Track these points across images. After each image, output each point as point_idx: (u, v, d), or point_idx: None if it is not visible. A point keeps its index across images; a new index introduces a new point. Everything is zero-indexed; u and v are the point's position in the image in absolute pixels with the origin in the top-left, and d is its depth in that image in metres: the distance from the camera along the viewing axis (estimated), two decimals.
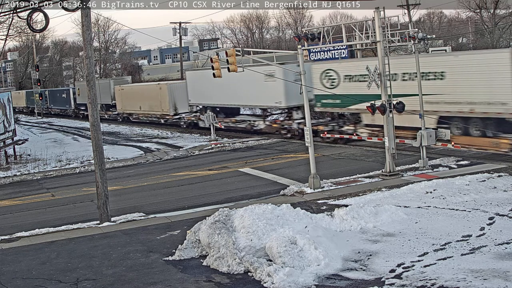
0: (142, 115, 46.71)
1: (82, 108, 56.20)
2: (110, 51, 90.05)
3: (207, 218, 13.74)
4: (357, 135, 26.49)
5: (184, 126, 41.15)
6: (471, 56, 20.91)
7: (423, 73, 21.86)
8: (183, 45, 66.55)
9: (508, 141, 20.90)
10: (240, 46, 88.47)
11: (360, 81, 25.63)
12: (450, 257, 11.62)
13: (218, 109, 37.14)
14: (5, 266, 13.60)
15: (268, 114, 33.39)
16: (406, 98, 21.26)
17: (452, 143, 21.74)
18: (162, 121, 43.62)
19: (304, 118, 21.95)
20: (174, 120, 42.34)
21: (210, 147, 31.69)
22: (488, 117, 21.46)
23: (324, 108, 29.11)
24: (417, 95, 19.76)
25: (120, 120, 50.28)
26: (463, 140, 22.30)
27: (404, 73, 23.63)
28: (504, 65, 19.97)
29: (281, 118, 32.34)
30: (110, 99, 50.91)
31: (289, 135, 31.14)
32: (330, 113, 29.43)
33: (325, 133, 28.53)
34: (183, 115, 40.98)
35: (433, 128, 21.86)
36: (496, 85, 20.41)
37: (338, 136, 28.19)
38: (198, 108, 39.05)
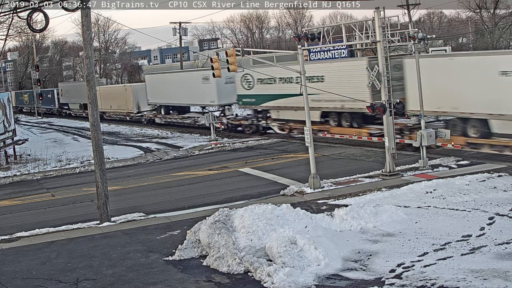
0: (112, 113, 51.06)
1: (65, 107, 62.53)
2: (110, 51, 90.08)
3: (207, 218, 13.74)
4: (330, 133, 28.59)
5: (145, 122, 46.28)
6: (341, 63, 25.11)
7: (309, 76, 25.16)
8: (183, 45, 66.51)
9: (367, 130, 26.60)
10: (240, 46, 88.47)
11: (268, 83, 31.21)
12: (450, 257, 11.63)
13: (171, 108, 42.70)
14: (5, 266, 13.60)
15: (207, 111, 38.23)
16: (289, 98, 28.69)
17: (351, 135, 27.13)
18: (128, 118, 48.03)
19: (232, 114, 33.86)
20: (137, 117, 47.38)
21: (210, 147, 31.69)
22: (354, 111, 26.59)
23: (244, 105, 34.62)
24: (300, 95, 22.20)
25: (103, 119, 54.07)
26: (337, 130, 28.25)
27: (281, 78, 28.98)
28: (363, 71, 23.27)
29: (217, 114, 36.87)
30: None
31: (221, 129, 36.22)
32: (253, 110, 34.33)
33: (325, 133, 28.54)
34: (145, 113, 46.19)
35: (318, 121, 28.32)
36: (358, 86, 24.29)
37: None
38: (155, 106, 44.14)
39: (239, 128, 35.44)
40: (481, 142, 21.49)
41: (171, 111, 42.93)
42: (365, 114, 24.91)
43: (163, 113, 43.38)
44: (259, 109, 33.30)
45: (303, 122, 25.12)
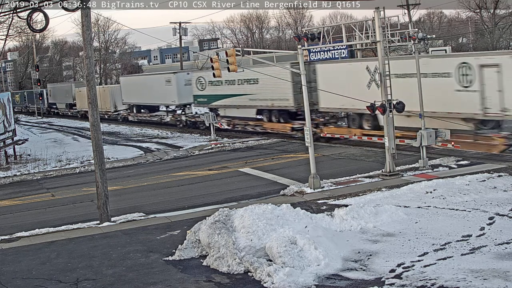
0: (109, 114, 54.02)
1: (54, 107, 67.35)
2: (110, 51, 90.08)
3: (207, 218, 13.74)
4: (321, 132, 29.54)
5: (120, 120, 50.92)
6: (271, 68, 26.85)
7: (247, 79, 31.60)
8: (183, 45, 66.53)
9: (291, 125, 31.15)
10: (240, 46, 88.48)
11: (216, 85, 35.38)
12: (450, 257, 11.62)
13: (142, 107, 47.60)
14: (5, 266, 13.60)
15: (171, 110, 43.60)
16: (232, 97, 34.31)
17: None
18: (106, 116, 51.06)
19: (190, 112, 39.86)
20: (114, 116, 51.81)
21: (210, 147, 31.70)
22: (281, 109, 31.65)
23: (198, 104, 39.23)
24: (240, 95, 29.55)
25: (79, 116, 58.43)
26: (268, 124, 33.03)
27: (227, 80, 33.86)
28: (287, 75, 27.15)
29: (178, 112, 42.70)
30: (72, 99, 60.41)
31: (181, 125, 41.34)
32: (208, 108, 38.12)
33: (325, 133, 28.54)
34: (121, 111, 50.83)
35: (254, 117, 33.66)
36: (285, 88, 29.41)
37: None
38: (129, 106, 48.98)
39: (196, 124, 39.96)
40: (372, 133, 26.25)
41: (142, 110, 47.88)
42: (289, 111, 31.31)
43: (135, 111, 48.41)
44: (210, 108, 37.37)
45: (245, 119, 34.35)
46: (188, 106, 41.24)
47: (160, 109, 46.40)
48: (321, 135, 28.91)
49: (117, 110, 51.04)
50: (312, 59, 34.87)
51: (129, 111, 49.21)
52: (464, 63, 22.08)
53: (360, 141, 27.12)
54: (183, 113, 41.96)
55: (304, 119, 24.37)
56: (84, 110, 53.35)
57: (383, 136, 20.44)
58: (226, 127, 36.24)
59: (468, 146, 22.54)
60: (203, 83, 37.33)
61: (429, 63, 23.00)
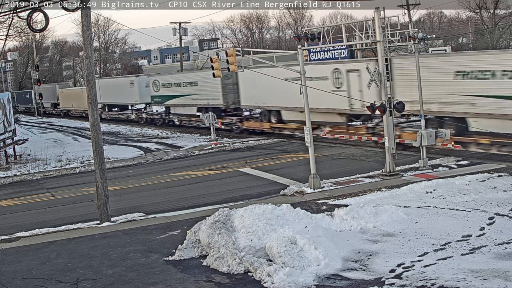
0: (74, 111, 60.84)
1: (41, 106, 71.56)
2: (110, 51, 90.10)
3: (207, 218, 13.74)
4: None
5: (105, 118, 55.34)
6: (206, 73, 33.11)
7: (188, 82, 38.91)
8: (183, 45, 66.55)
9: (222, 120, 35.75)
10: (240, 46, 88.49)
11: (167, 87, 41.70)
12: (450, 257, 11.62)
13: (113, 106, 52.98)
14: (5, 266, 13.60)
15: (136, 108, 49.18)
16: (180, 98, 40.26)
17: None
18: (84, 114, 54.73)
19: (152, 110, 46.48)
20: (87, 113, 53.62)
21: (210, 147, 31.70)
22: (214, 107, 36.54)
23: (155, 103, 44.95)
24: (185, 95, 36.28)
25: (62, 115, 64.88)
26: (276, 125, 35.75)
27: (175, 82, 40.74)
28: (217, 79, 29.08)
29: (142, 110, 48.27)
30: (56, 99, 66.03)
31: (142, 122, 47.35)
32: (164, 107, 44.06)
33: (325, 133, 28.55)
34: (102, 112, 54.29)
35: (196, 114, 39.29)
36: (216, 89, 35.59)
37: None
38: (103, 105, 52.47)
39: (153, 121, 45.91)
40: (278, 126, 32.20)
41: (114, 109, 53.34)
42: (220, 108, 36.45)
43: (107, 110, 53.31)
44: (164, 107, 43.63)
45: (189, 116, 40.58)
46: (148, 105, 46.93)
47: (129, 108, 51.49)
48: (243, 128, 35.31)
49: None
50: (312, 59, 34.93)
51: (101, 109, 52.61)
52: (336, 68, 26.96)
53: (360, 141, 27.11)
54: (144, 111, 47.92)
55: (231, 115, 35.83)
56: (67, 109, 62.73)
57: (285, 128, 28.05)
58: (177, 123, 42.63)
59: (343, 134, 28.40)
60: (158, 85, 43.06)
61: (314, 69, 27.49)
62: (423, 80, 20.86)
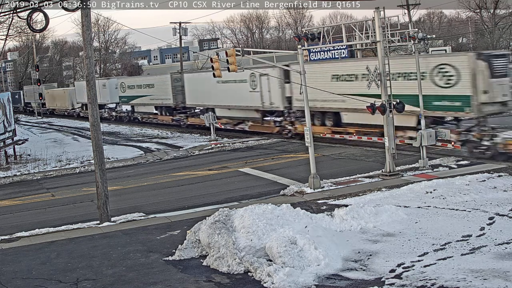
0: (58, 110, 66.98)
1: (29, 106, 78.21)
2: (110, 51, 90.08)
3: (207, 218, 13.74)
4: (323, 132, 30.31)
5: (75, 116, 61.96)
6: (160, 77, 43.31)
7: (146, 84, 45.46)
8: (183, 45, 66.50)
9: (172, 117, 42.48)
10: (240, 46, 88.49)
11: (131, 88, 47.99)
12: (450, 257, 11.62)
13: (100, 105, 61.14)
14: (5, 266, 13.60)
15: (109, 108, 54.43)
16: (141, 98, 46.51)
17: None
18: (66, 113, 64.30)
19: (119, 109, 52.58)
20: (71, 113, 63.39)
21: (210, 147, 31.70)
22: (167, 105, 42.67)
23: (122, 103, 51.10)
24: (145, 96, 43.52)
25: (48, 113, 70.28)
26: (160, 118, 44.69)
27: (137, 84, 47.38)
28: (168, 81, 41.17)
29: (113, 109, 53.88)
30: (42, 99, 71.01)
31: (112, 119, 52.88)
32: (131, 106, 50.05)
33: (325, 133, 28.55)
34: (76, 109, 61.70)
35: (154, 112, 45.79)
36: (168, 91, 41.65)
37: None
38: (82, 104, 58.31)
39: (121, 119, 51.75)
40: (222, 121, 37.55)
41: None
42: (171, 107, 42.33)
43: (84, 109, 57.56)
44: (130, 106, 49.69)
45: (149, 113, 46.97)
46: (117, 104, 52.71)
47: (105, 107, 56.24)
48: (188, 123, 41.17)
49: (74, 108, 62.36)
50: (312, 59, 34.96)
51: (80, 108, 60.11)
52: (252, 73, 32.36)
53: (360, 141, 27.09)
54: (114, 109, 53.57)
55: (180, 113, 42.02)
56: (52, 108, 69.17)
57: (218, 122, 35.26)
58: (140, 120, 48.31)
59: (260, 128, 34.08)
60: (124, 87, 49.01)
61: (235, 74, 29.27)
62: (311, 83, 23.05)
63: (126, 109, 51.20)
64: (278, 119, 32.39)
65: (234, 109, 35.36)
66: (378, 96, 20.71)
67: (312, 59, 35.13)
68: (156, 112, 45.15)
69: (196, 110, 40.47)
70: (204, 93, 37.25)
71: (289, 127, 31.36)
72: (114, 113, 53.20)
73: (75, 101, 60.47)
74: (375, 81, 22.00)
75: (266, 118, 33.52)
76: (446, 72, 22.15)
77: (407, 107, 20.66)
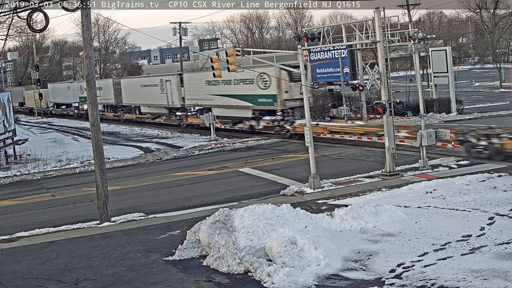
0: (34, 108, 72.45)
1: (16, 106, 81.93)
2: (110, 51, 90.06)
3: (207, 218, 13.74)
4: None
5: (49, 113, 70.27)
6: (105, 81, 52.75)
7: (97, 87, 51.98)
8: (183, 45, 66.53)
9: (114, 113, 52.09)
10: (240, 46, 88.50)
11: (86, 90, 49.45)
12: (450, 257, 11.62)
13: (60, 104, 68.10)
14: (5, 266, 13.60)
15: (75, 106, 62.69)
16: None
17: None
18: (41, 111, 70.88)
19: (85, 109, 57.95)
20: (46, 110, 70.80)
21: (210, 147, 31.70)
22: (111, 104, 52.35)
23: (82, 103, 57.88)
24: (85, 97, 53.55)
25: (27, 111, 77.67)
26: (107, 114, 52.60)
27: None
28: (110, 85, 50.22)
29: (77, 108, 62.23)
30: (23, 99, 78.82)
31: (75, 116, 61.78)
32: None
33: (325, 133, 28.56)
34: (50, 107, 70.50)
35: (103, 111, 52.44)
36: (111, 92, 50.49)
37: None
38: (53, 103, 68.90)
39: (83, 116, 57.17)
40: (140, 116, 48.07)
41: (62, 106, 68.08)
42: (113, 105, 52.23)
43: (55, 107, 69.19)
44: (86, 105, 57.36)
45: (100, 111, 45.41)
46: (79, 104, 60.50)
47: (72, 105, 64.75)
48: (124, 118, 50.39)
49: (48, 107, 70.68)
50: (312, 59, 34.99)
51: (52, 107, 69.85)
52: (161, 79, 42.84)
53: (360, 141, 27.10)
54: (77, 108, 61.69)
55: (121, 110, 51.04)
56: (30, 107, 76.01)
57: (142, 117, 47.06)
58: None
59: (168, 121, 43.72)
60: (82, 89, 55.37)
61: (151, 78, 42.44)
62: (196, 87, 38.32)
63: (84, 108, 57.73)
64: (179, 113, 42.60)
65: (152, 107, 45.22)
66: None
67: (312, 59, 35.19)
68: (103, 110, 53.33)
69: (133, 107, 49.58)
70: (134, 94, 47.36)
71: (184, 120, 41.49)
72: (76, 111, 62.28)
73: (49, 101, 69.69)
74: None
75: (171, 114, 43.53)
76: (264, 78, 31.90)
77: (244, 103, 33.96)
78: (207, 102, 37.37)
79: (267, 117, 33.79)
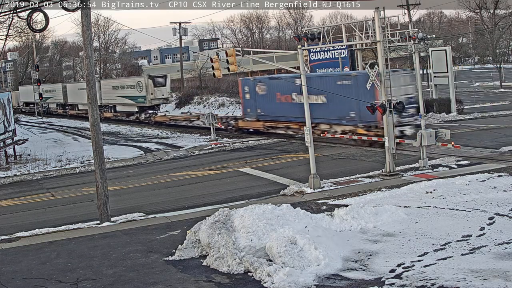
0: (15, 107, 79.55)
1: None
2: (110, 51, 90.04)
3: (207, 218, 13.75)
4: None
5: (20, 111, 78.41)
6: (57, 85, 69.13)
7: (52, 90, 69.23)
8: (183, 45, 66.58)
9: (62, 110, 67.42)
10: (240, 46, 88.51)
11: (47, 92, 67.85)
12: (450, 257, 11.63)
13: (29, 103, 77.23)
14: (5, 266, 13.60)
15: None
16: (50, 98, 69.89)
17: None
18: (18, 109, 79.95)
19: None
20: (17, 109, 76.81)
21: (210, 147, 31.70)
22: (60, 103, 67.10)
23: (44, 102, 69.67)
24: (52, 97, 69.80)
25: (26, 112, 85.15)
26: (58, 111, 68.35)
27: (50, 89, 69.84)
28: (59, 88, 66.83)
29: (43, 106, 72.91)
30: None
31: (39, 115, 70.84)
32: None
33: (325, 133, 28.56)
34: (21, 106, 79.97)
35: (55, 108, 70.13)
36: (60, 93, 65.66)
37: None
38: (24, 102, 79.34)
39: (49, 111, 71.03)
40: (79, 113, 60.69)
41: (30, 105, 76.45)
42: (61, 104, 66.09)
43: (25, 105, 79.04)
44: (48, 103, 70.49)
45: (54, 109, 70.55)
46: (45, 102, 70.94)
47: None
48: (70, 114, 63.39)
49: (19, 106, 79.54)
50: (312, 59, 35.00)
51: (23, 105, 79.98)
52: (139, 80, 48.70)
53: (360, 141, 27.10)
54: (42, 106, 71.85)
55: (67, 108, 65.18)
56: (15, 107, 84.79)
57: (78, 114, 60.05)
58: (51, 113, 69.51)
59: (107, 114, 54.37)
60: (47, 91, 68.03)
61: (126, 80, 48.07)
62: (107, 90, 53.00)
63: (45, 106, 71.41)
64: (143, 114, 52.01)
65: (85, 105, 49.39)
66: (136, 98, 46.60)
67: (312, 59, 35.19)
68: (57, 108, 68.07)
69: (75, 105, 61.89)
70: (75, 95, 60.05)
71: (103, 115, 51.64)
72: (40, 108, 71.64)
73: (20, 100, 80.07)
74: None
75: (102, 109, 52.64)
76: (140, 84, 47.92)
77: (131, 102, 49.58)
78: (113, 101, 53.21)
79: (150, 111, 49.02)
